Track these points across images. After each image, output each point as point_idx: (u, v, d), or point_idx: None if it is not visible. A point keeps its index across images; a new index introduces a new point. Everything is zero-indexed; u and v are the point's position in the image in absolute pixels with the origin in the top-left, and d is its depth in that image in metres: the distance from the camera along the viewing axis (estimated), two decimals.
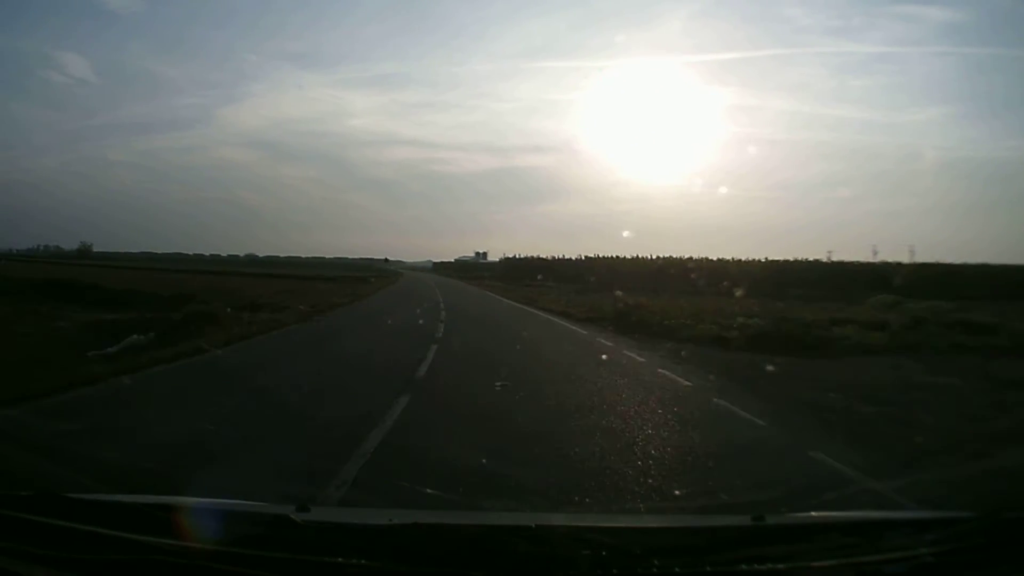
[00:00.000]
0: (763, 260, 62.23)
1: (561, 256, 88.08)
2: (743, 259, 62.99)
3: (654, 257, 69.00)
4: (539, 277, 59.62)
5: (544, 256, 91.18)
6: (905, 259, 54.80)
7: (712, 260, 63.59)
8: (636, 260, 70.67)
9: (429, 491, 3.92)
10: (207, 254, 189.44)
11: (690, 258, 65.58)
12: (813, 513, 2.16)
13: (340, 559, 1.47)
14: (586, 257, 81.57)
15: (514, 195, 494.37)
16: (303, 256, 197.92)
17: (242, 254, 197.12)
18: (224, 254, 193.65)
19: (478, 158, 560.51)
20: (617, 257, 74.78)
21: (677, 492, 4.44)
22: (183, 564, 1.47)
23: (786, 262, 60.25)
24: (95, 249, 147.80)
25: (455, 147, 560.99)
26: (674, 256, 67.17)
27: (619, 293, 25.16)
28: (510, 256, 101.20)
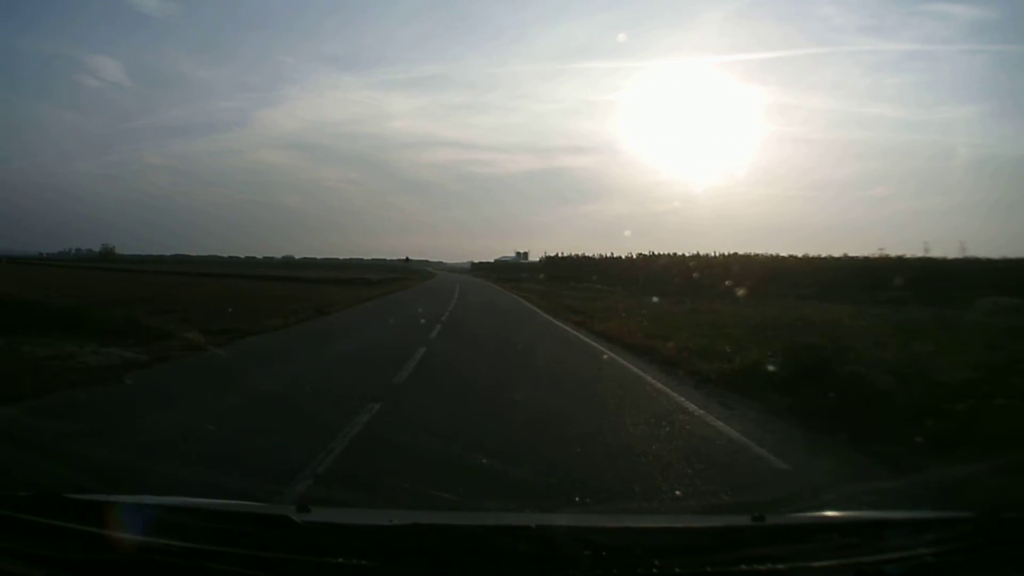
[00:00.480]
0: (824, 257, 53.84)
1: (608, 254, 77.98)
2: (804, 255, 54.97)
3: (716, 255, 60.41)
4: (593, 278, 53.05)
5: (589, 254, 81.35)
6: (949, 256, 45.64)
7: (771, 257, 55.88)
8: (691, 258, 60.78)
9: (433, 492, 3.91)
10: (242, 256, 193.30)
11: (750, 254, 57.67)
12: (813, 513, 2.16)
13: (340, 559, 1.47)
14: (637, 255, 70.49)
15: (555, 196, 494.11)
16: (340, 258, 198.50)
17: (279, 256, 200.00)
18: (260, 256, 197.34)
19: (519, 159, 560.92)
20: (673, 254, 64.43)
21: (677, 492, 4.43)
22: (183, 564, 1.47)
23: (847, 259, 51.30)
24: (127, 252, 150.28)
25: (496, 148, 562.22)
26: (728, 253, 59.18)
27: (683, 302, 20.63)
28: (552, 255, 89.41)
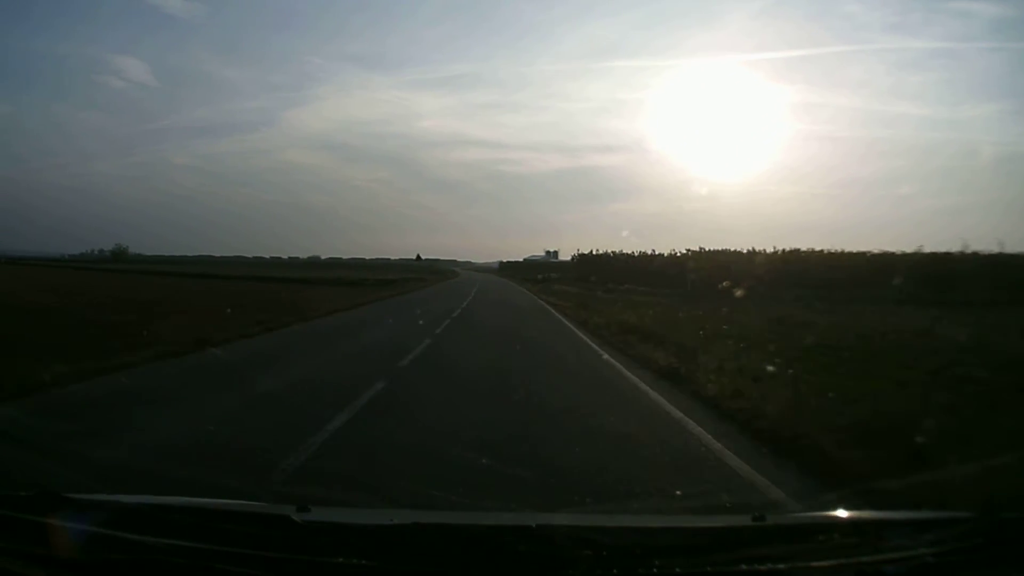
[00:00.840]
0: (870, 253, 47.26)
1: (649, 251, 68.34)
2: (874, 252, 47.39)
3: (777, 250, 52.17)
4: (629, 280, 45.84)
5: (626, 251, 71.71)
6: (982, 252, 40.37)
7: (832, 254, 48.64)
8: (736, 254, 53.46)
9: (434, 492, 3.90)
10: (267, 257, 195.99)
11: (812, 251, 49.93)
12: (813, 513, 2.16)
13: (340, 559, 1.47)
14: (683, 252, 60.16)
15: (584, 195, 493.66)
16: (367, 258, 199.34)
17: (304, 257, 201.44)
18: (285, 257, 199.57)
19: (548, 158, 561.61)
20: (725, 251, 55.97)
21: (678, 492, 4.43)
22: (183, 564, 1.47)
23: (888, 255, 45.54)
24: (154, 253, 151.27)
25: (525, 147, 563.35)
26: (786, 250, 51.46)
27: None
28: (585, 253, 79.17)
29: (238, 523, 1.68)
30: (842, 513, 1.92)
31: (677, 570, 1.48)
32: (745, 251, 54.19)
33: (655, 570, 1.47)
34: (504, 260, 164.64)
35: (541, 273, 78.97)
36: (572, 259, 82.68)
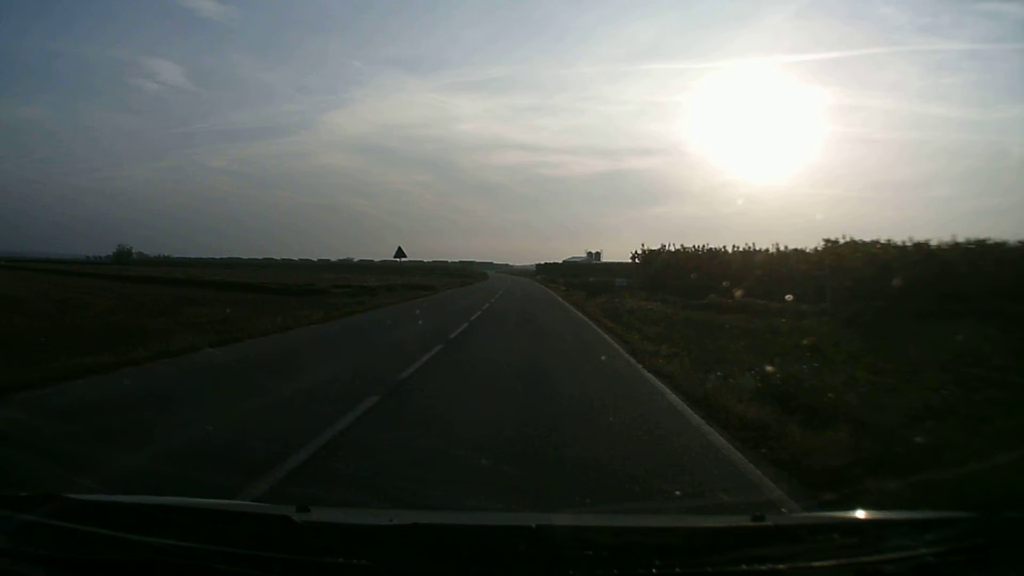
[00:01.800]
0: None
1: (747, 246, 41.50)
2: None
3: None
4: (724, 284, 28.78)
5: (711, 246, 44.77)
6: None
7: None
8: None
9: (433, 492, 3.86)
10: (296, 259, 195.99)
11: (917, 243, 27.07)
12: (813, 513, 2.16)
13: (340, 559, 1.48)
14: (814, 248, 33.41)
15: (623, 198, 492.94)
16: (401, 260, 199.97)
17: (334, 259, 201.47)
18: (315, 259, 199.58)
19: (587, 161, 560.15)
20: (859, 241, 31.22)
21: (677, 492, 4.42)
22: (183, 564, 1.47)
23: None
24: (185, 256, 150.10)
25: (564, 151, 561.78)
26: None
27: None
28: (653, 249, 48.66)
29: (238, 523, 1.68)
30: (842, 513, 1.92)
31: (677, 570, 1.48)
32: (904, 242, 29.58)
33: (655, 570, 1.47)
34: (541, 262, 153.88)
35: (581, 276, 62.52)
36: (634, 258, 52.82)
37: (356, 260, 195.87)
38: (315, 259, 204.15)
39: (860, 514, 1.86)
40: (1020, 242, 25.85)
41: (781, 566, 1.50)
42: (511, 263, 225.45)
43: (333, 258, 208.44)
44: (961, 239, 27.37)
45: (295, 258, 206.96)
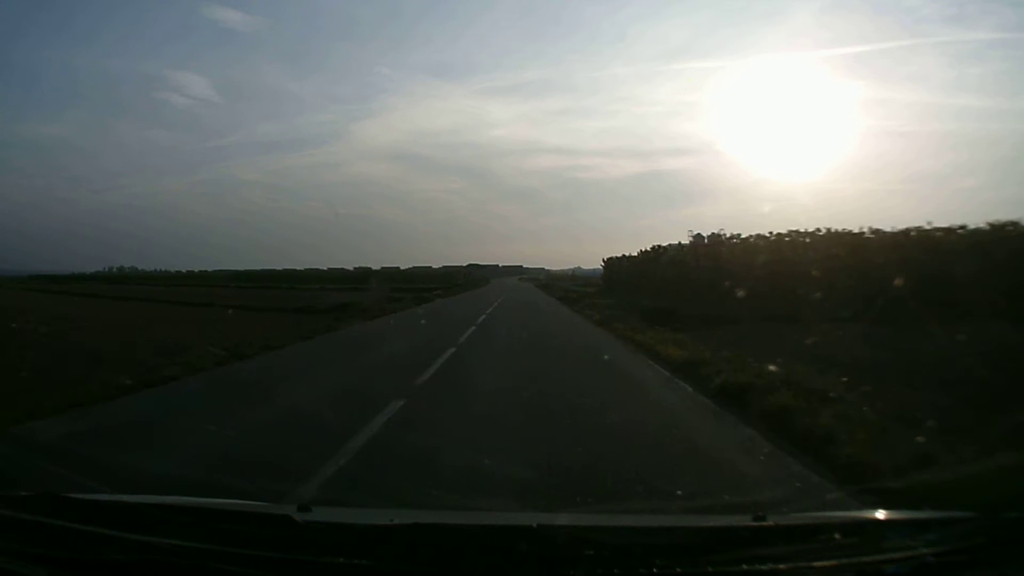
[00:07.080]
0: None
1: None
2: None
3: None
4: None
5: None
6: None
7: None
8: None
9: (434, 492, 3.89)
10: (324, 268, 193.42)
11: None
12: (813, 513, 2.16)
13: (340, 559, 1.47)
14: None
15: (659, 199, 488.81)
16: (434, 266, 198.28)
17: (376, 267, 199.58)
18: (350, 267, 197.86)
19: (621, 163, 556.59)
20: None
21: (678, 492, 4.43)
22: (183, 564, 1.47)
23: None
24: (216, 268, 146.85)
25: (598, 153, 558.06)
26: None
27: None
28: (716, 233, 35.74)
29: (238, 523, 1.68)
30: (842, 513, 1.93)
31: (678, 570, 1.48)
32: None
33: (656, 570, 1.47)
34: (580, 266, 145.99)
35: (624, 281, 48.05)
36: (691, 239, 40.78)
37: (404, 267, 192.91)
38: (351, 268, 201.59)
39: (860, 514, 1.86)
40: None
41: (782, 566, 1.50)
42: (546, 267, 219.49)
43: (375, 266, 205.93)
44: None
45: (323, 268, 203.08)
